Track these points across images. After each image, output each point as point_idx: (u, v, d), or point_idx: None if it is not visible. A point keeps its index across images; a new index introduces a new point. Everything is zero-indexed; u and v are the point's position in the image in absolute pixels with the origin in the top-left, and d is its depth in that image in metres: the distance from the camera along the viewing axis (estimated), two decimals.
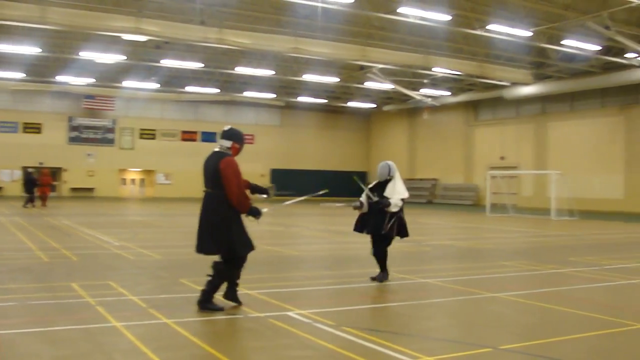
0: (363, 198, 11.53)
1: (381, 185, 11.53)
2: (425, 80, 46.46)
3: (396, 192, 11.34)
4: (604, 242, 21.36)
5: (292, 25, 33.87)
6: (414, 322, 8.52)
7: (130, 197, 57.95)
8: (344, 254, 16.27)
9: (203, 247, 8.79)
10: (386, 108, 60.76)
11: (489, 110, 54.25)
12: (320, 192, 11.92)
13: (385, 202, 11.22)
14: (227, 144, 9.06)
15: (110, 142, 56.99)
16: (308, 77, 45.63)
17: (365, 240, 19.80)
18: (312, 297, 10.15)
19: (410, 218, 29.94)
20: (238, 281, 9.08)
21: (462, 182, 55.92)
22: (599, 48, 35.63)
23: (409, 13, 29.36)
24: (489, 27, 31.38)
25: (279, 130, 63.51)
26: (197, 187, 57.01)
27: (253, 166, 61.59)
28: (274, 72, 44.32)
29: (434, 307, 9.56)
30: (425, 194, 58.06)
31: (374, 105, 60.87)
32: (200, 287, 8.95)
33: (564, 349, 7.05)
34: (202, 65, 42.39)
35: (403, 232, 11.55)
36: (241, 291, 10.17)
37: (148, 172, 60.05)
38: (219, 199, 8.71)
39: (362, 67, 41.06)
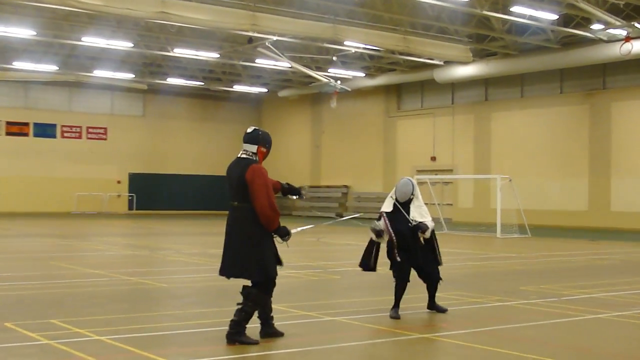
0: (382, 224, 12.21)
1: (401, 207, 12.29)
2: (333, 58, 46.66)
3: (425, 213, 12.33)
4: (564, 266, 21.91)
5: None
6: None
7: None
8: (224, 285, 16.11)
9: (230, 269, 9.86)
10: (282, 93, 60.93)
11: (416, 97, 54.97)
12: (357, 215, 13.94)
13: (423, 226, 12.13)
14: (252, 148, 9.94)
15: None
16: (179, 52, 45.31)
17: None
18: (182, 342, 10.07)
19: (312, 237, 29.98)
20: (272, 314, 10.17)
21: (382, 191, 56.15)
22: (557, 17, 36.54)
23: None
24: None
25: (141, 122, 62.82)
26: (29, 198, 55.67)
27: (105, 169, 60.74)
28: (133, 45, 43.82)
29: (348, 354, 9.60)
30: (333, 206, 58.31)
31: (267, 90, 61.00)
32: (34, 333, 8.74)
33: None
34: (35, 33, 41.52)
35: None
36: (89, 337, 10.01)
37: None
38: (247, 213, 9.68)
39: (250, 40, 40.96)
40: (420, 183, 43.16)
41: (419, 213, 12.25)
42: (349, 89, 50.78)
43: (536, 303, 13.82)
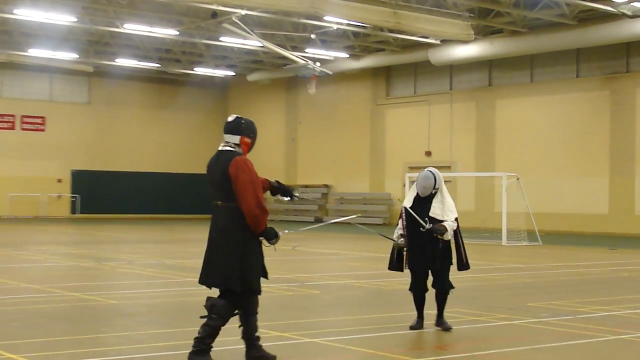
0: (400, 230, 12.61)
1: (422, 203, 12.51)
2: (312, 36, 46.70)
3: (448, 210, 12.46)
4: (580, 278, 22.00)
5: None
6: None
7: None
8: (186, 302, 16.15)
9: (210, 277, 9.80)
10: (252, 77, 60.90)
11: (409, 81, 55.04)
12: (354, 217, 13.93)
13: (440, 229, 12.25)
14: (235, 139, 10.01)
15: None
16: (131, 28, 45.18)
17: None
18: None
19: (291, 245, 30.00)
20: (258, 333, 9.93)
21: (368, 191, 56.38)
22: None
23: None
24: None
25: (86, 110, 62.59)
26: None
27: (43, 166, 60.48)
28: (76, 19, 43.66)
29: None
30: (312, 209, 58.31)
31: (234, 73, 60.94)
32: None
33: None
34: None
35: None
36: None
37: None
38: (232, 213, 9.69)
39: (214, 14, 40.95)
40: (412, 182, 43.32)
41: (441, 210, 12.46)
42: (330, 72, 50.67)
43: (548, 322, 13.86)
